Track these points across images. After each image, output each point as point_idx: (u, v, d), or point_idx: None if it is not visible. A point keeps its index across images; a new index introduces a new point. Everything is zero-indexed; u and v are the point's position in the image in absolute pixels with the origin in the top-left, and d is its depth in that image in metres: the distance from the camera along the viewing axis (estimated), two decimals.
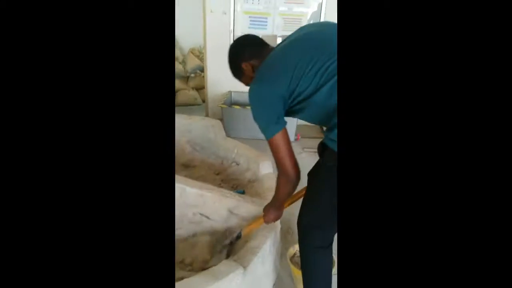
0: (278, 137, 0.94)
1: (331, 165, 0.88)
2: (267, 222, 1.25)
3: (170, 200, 0.53)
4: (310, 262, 1.12)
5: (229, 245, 1.38)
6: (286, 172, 0.98)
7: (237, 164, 2.24)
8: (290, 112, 1.00)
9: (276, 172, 1.04)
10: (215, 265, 1.18)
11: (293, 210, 2.16)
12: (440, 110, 0.44)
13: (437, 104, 0.44)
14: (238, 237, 1.36)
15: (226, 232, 1.51)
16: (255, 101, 0.96)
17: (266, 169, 1.96)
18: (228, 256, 1.36)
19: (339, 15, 0.52)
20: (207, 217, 1.59)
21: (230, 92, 3.77)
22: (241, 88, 4.46)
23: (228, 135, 2.58)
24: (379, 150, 0.46)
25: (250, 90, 0.98)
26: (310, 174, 1.07)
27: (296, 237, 1.97)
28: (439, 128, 0.44)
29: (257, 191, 1.83)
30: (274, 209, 1.21)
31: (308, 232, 1.09)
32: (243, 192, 1.88)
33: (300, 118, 1.02)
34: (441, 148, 0.44)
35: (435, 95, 0.44)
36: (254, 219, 1.36)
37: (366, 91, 0.47)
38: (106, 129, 0.50)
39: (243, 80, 1.13)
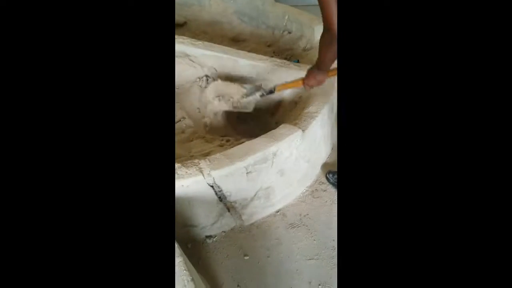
0: None
1: None
2: (307, 84, 1.15)
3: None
4: None
5: (260, 96, 1.37)
6: (332, 28, 0.89)
7: (289, 33, 2.06)
8: None
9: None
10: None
11: None
12: (439, 109, 0.44)
13: (436, 103, 0.44)
14: (271, 91, 1.33)
15: (261, 84, 1.47)
16: None
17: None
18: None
19: (339, 14, 0.53)
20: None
21: None
22: None
23: (276, 0, 2.30)
24: (379, 151, 0.47)
25: None
26: None
27: None
28: (439, 128, 0.44)
29: (312, 60, 1.71)
30: (317, 72, 1.11)
31: None
32: (297, 62, 1.78)
33: None
34: (440, 148, 0.44)
35: (434, 95, 0.44)
36: (294, 80, 1.25)
37: (366, 91, 0.47)
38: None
39: None
